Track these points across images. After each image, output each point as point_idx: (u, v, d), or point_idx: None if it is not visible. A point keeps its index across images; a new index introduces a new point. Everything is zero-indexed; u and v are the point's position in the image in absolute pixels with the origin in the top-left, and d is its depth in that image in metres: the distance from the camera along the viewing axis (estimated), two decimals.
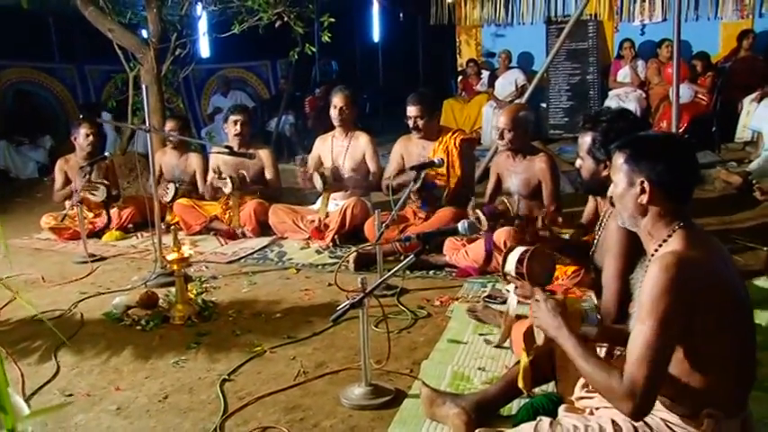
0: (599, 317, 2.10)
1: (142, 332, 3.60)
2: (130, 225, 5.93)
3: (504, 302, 3.61)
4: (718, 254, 1.89)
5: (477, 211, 4.23)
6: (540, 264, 2.57)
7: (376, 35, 14.10)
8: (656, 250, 1.90)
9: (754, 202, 5.73)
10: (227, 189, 5.50)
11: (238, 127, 5.71)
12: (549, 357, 2.43)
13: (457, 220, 4.60)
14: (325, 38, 7.91)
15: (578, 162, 2.89)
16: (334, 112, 5.47)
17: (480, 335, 3.30)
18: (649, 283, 1.76)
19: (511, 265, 2.65)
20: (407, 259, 2.63)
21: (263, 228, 5.55)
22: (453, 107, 9.93)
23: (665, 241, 1.88)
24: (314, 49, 8.24)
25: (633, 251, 2.33)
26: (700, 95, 7.92)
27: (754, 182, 5.85)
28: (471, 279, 4.22)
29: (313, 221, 5.32)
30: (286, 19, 7.52)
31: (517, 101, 7.87)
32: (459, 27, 10.72)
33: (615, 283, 2.48)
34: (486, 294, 3.85)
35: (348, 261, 4.50)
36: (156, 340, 3.49)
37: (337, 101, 5.44)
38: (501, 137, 4.48)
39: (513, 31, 10.33)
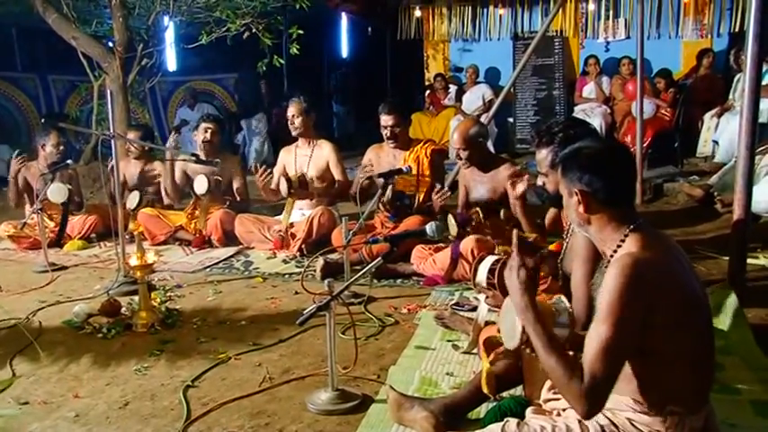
0: (569, 318, 2.09)
1: (103, 340, 3.52)
2: (93, 234, 5.83)
3: (472, 310, 3.62)
4: (673, 253, 1.91)
5: (451, 215, 4.26)
6: None
7: (344, 51, 14.19)
8: (612, 255, 1.91)
9: (715, 214, 5.85)
10: (203, 189, 5.43)
11: (208, 135, 5.67)
12: (516, 361, 2.42)
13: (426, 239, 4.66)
14: (294, 50, 7.91)
15: (541, 180, 2.91)
16: (290, 122, 5.45)
17: (448, 341, 3.28)
18: (607, 285, 1.77)
19: (482, 276, 2.64)
20: (375, 261, 2.60)
21: (228, 238, 5.51)
22: (421, 121, 9.96)
23: (619, 246, 1.90)
24: (282, 62, 8.24)
25: (598, 255, 2.34)
26: (662, 110, 8.06)
27: (715, 194, 5.97)
28: (439, 287, 4.21)
29: (279, 231, 5.28)
30: (254, 30, 7.50)
31: (484, 115, 7.92)
32: (427, 42, 10.81)
33: (582, 287, 2.49)
34: (453, 302, 3.83)
35: (315, 267, 4.49)
36: (118, 347, 3.42)
37: (290, 110, 5.42)
38: (458, 157, 4.51)
39: (481, 46, 10.45)
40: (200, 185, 5.52)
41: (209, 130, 5.69)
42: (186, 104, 10.49)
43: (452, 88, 10.34)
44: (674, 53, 9.34)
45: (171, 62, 11.05)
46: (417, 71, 11.22)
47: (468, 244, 4.19)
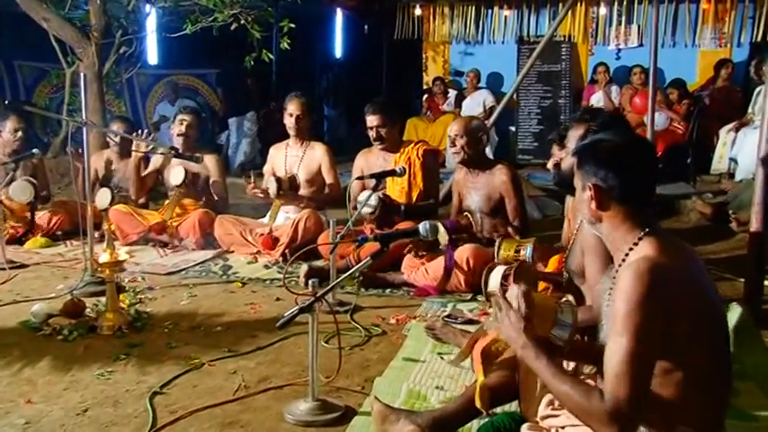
0: (573, 319, 2.07)
1: (64, 342, 3.47)
2: (59, 232, 5.78)
3: (466, 323, 3.65)
4: (692, 260, 1.90)
5: (439, 224, 4.24)
6: (527, 282, 2.56)
7: (338, 51, 14.20)
8: (624, 259, 1.89)
9: (729, 234, 5.85)
10: (178, 180, 5.40)
11: (183, 128, 5.64)
12: (512, 373, 2.39)
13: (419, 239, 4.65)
14: (284, 44, 7.90)
15: (558, 156, 2.92)
16: (288, 120, 5.43)
17: (439, 354, 3.26)
18: (622, 292, 1.74)
19: (495, 283, 2.62)
20: (364, 261, 2.57)
21: (207, 240, 5.47)
22: (417, 127, 9.98)
23: (631, 249, 1.88)
24: (271, 56, 8.22)
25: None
26: (675, 123, 8.09)
27: (730, 212, 5.97)
28: (430, 298, 4.20)
29: (262, 234, 5.25)
30: (243, 21, 7.48)
31: (485, 123, 7.94)
32: (426, 43, 10.84)
33: (600, 279, 2.48)
34: (446, 314, 3.81)
35: (298, 273, 4.47)
36: (80, 351, 3.36)
37: (292, 108, 5.40)
38: (453, 144, 4.53)
39: (483, 49, 10.49)
40: (177, 175, 5.48)
41: (185, 123, 5.66)
42: (167, 100, 10.45)
43: (452, 93, 10.37)
44: (690, 63, 9.40)
45: (152, 54, 10.99)
46: (415, 74, 11.26)
47: (463, 253, 4.20)
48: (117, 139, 5.99)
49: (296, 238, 5.07)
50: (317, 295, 2.54)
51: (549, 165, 3.71)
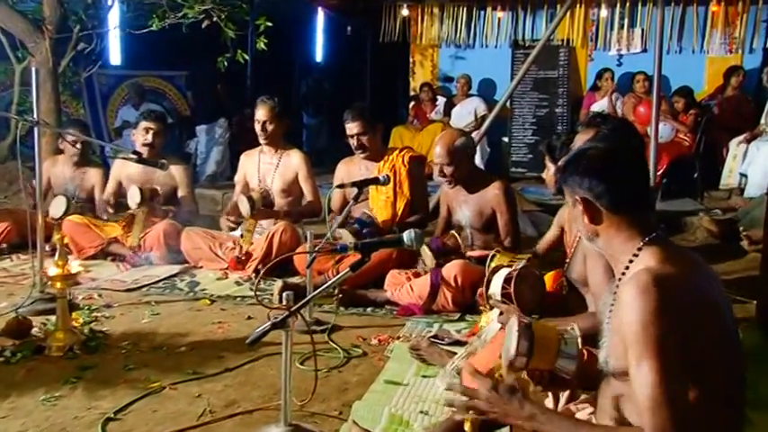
0: (578, 350, 2.05)
1: (5, 365, 3.40)
2: (4, 245, 5.71)
3: (454, 344, 3.61)
4: (699, 270, 1.88)
5: (425, 246, 4.25)
6: (531, 286, 2.56)
7: (319, 54, 14.22)
8: (624, 272, 1.88)
9: (740, 253, 5.87)
10: (136, 200, 5.35)
11: (149, 136, 5.61)
12: None
13: (402, 251, 4.65)
14: (261, 45, 7.90)
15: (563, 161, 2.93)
16: (257, 127, 5.42)
17: (424, 377, 3.25)
18: (629, 312, 1.71)
19: (496, 287, 2.61)
20: (344, 272, 2.54)
21: (173, 254, 5.43)
22: (403, 136, 9.98)
23: (631, 261, 1.87)
24: (246, 57, 8.21)
25: None
26: (681, 134, 8.14)
27: (741, 229, 6.00)
28: (415, 318, 4.18)
29: (233, 249, 5.21)
30: (215, 18, 7.47)
31: (476, 133, 7.96)
32: (414, 46, 10.88)
33: (606, 286, 2.47)
34: (431, 334, 3.79)
35: (272, 290, 4.46)
36: (23, 374, 3.30)
37: (260, 114, 5.38)
38: (441, 173, 4.52)
39: (475, 53, 10.55)
40: (133, 197, 5.41)
41: (151, 131, 5.62)
42: (131, 103, 10.38)
43: (440, 100, 10.40)
44: (698, 70, 9.49)
45: (114, 52, 10.94)
46: (401, 79, 11.29)
47: (451, 270, 4.19)
48: (77, 145, 5.90)
49: (270, 252, 5.04)
50: (292, 309, 2.50)
51: (545, 174, 3.73)
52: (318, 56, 14.30)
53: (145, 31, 7.62)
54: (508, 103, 8.98)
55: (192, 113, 10.73)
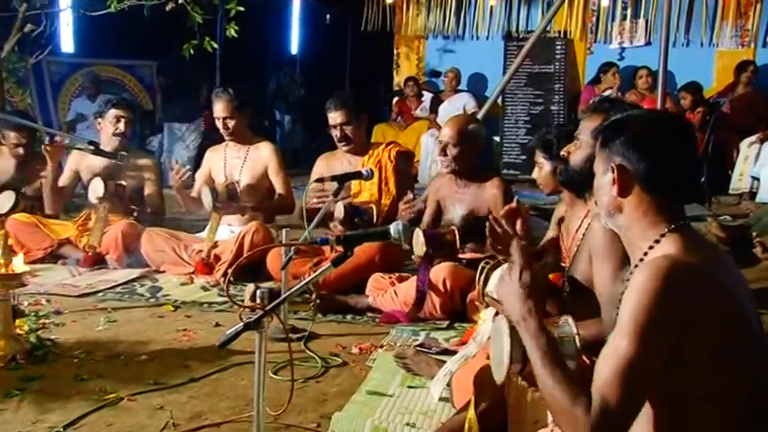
0: (578, 345, 2.05)
1: None
2: None
3: (443, 353, 3.62)
4: (723, 265, 1.87)
5: (418, 230, 4.22)
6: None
7: (294, 45, 14.19)
8: (642, 258, 1.86)
9: (752, 260, 5.89)
10: (98, 194, 5.30)
11: (122, 125, 5.56)
12: (500, 407, 2.37)
13: (386, 252, 4.64)
14: (231, 32, 7.86)
15: (566, 149, 2.93)
16: (219, 125, 5.46)
17: (410, 387, 3.27)
18: (633, 291, 1.72)
19: (494, 284, 2.60)
20: (325, 267, 2.52)
21: (132, 257, 5.39)
22: (386, 134, 9.99)
23: (651, 248, 1.85)
24: (215, 45, 8.17)
25: (625, 255, 2.32)
26: None
27: (754, 235, 6.02)
28: (399, 326, 4.18)
29: (200, 252, 5.19)
30: (181, 1, 7.42)
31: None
32: (399, 37, 10.92)
33: (611, 287, 2.50)
34: (418, 343, 3.79)
35: (243, 297, 4.42)
36: None
37: (219, 110, 5.42)
38: (443, 152, 4.51)
39: (465, 46, 10.62)
40: (95, 190, 5.39)
41: (123, 119, 5.58)
42: (85, 94, 10.33)
43: (427, 96, 10.45)
44: (706, 65, 9.58)
45: (68, 39, 10.85)
46: (385, 73, 11.29)
47: (439, 273, 4.18)
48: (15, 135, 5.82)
49: (241, 255, 4.99)
50: (267, 308, 2.46)
51: (536, 174, 3.71)
52: (294, 47, 14.27)
53: (102, 12, 7.54)
54: (500, 100, 9.01)
55: (156, 107, 10.69)
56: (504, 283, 2.02)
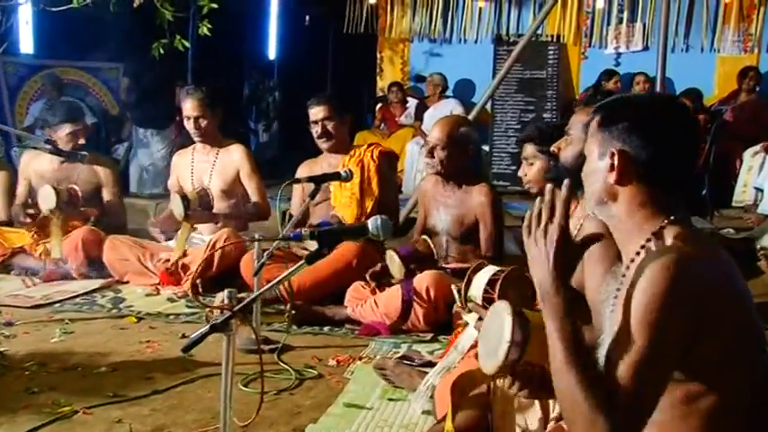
0: None
1: None
2: None
3: (425, 365, 3.57)
4: (727, 262, 1.86)
5: (391, 252, 4.22)
6: (518, 291, 2.52)
7: (272, 48, 14.19)
8: (638, 252, 1.84)
9: (755, 274, 5.90)
10: (49, 204, 5.26)
11: (81, 140, 5.53)
12: (483, 414, 2.39)
13: (365, 256, 4.62)
14: (204, 30, 7.83)
15: (556, 146, 2.92)
16: (189, 125, 5.45)
17: (390, 400, 3.27)
18: (642, 286, 1.70)
19: (478, 289, 2.58)
20: (298, 264, 2.48)
21: (93, 266, 5.36)
22: (368, 141, 9.86)
23: (649, 240, 1.83)
24: (187, 44, 8.14)
25: (614, 255, 2.29)
26: None
27: (758, 248, 6.04)
28: (380, 338, 4.18)
29: (167, 261, 5.15)
30: None
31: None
32: (382, 39, 10.92)
33: (605, 288, 2.43)
34: (399, 355, 3.77)
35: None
36: None
37: (189, 109, 5.40)
38: (431, 154, 4.49)
39: (452, 49, 10.62)
40: (46, 199, 5.34)
41: (80, 133, 5.55)
42: (45, 98, 10.27)
43: (411, 102, 10.42)
44: (707, 71, 9.61)
45: (27, 39, 10.79)
46: (367, 78, 11.28)
47: (422, 281, 4.18)
48: None
49: (211, 264, 5.03)
50: (235, 308, 2.42)
51: (523, 172, 3.69)
52: (271, 49, 14.26)
53: (63, 8, 7.48)
54: (489, 107, 9.00)
55: (124, 111, 10.63)
56: (533, 240, 1.86)
